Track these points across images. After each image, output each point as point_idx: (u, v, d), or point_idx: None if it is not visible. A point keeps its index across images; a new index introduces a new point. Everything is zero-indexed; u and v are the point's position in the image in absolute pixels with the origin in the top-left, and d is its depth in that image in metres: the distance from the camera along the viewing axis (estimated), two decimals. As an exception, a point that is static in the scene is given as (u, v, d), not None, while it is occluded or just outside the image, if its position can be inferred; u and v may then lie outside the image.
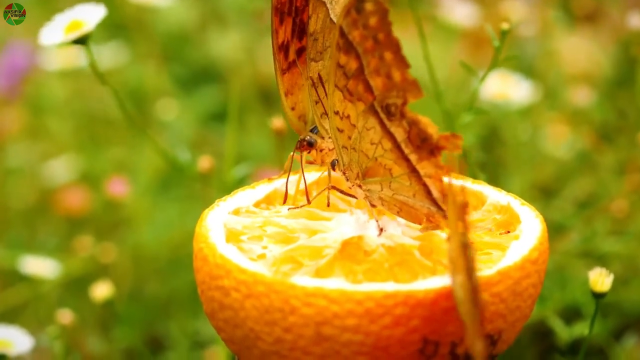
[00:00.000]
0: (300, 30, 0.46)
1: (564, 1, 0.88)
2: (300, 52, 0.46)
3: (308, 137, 0.45)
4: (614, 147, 0.75)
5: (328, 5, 0.45)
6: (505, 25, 0.53)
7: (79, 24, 0.53)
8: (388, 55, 0.39)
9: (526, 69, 0.82)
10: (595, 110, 0.77)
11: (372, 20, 0.39)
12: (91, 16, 0.53)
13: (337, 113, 0.41)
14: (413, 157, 0.40)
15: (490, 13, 0.91)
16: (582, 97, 0.78)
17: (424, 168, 0.40)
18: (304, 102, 0.46)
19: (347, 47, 0.40)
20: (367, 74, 0.40)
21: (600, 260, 0.63)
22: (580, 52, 0.90)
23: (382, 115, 0.40)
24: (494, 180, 0.74)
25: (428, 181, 0.40)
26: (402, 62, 0.39)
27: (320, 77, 0.45)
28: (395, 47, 0.39)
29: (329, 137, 0.46)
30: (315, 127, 0.46)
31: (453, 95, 0.82)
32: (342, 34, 0.39)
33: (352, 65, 0.40)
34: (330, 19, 0.45)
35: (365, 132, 0.41)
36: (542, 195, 0.75)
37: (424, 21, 0.93)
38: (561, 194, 0.74)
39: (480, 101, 0.77)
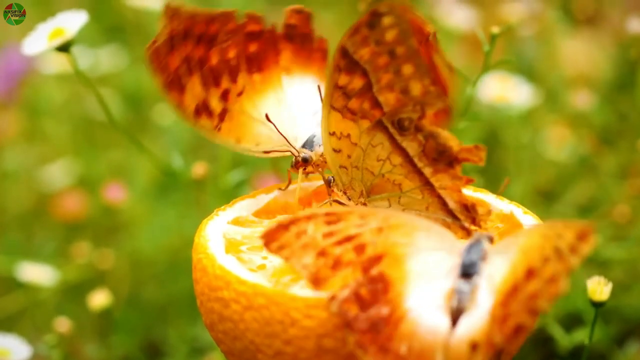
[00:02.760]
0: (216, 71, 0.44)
1: (564, 4, 0.87)
2: (225, 97, 0.45)
3: (302, 155, 0.44)
4: (615, 150, 0.74)
5: None
6: (495, 30, 0.53)
7: (62, 31, 0.53)
8: (407, 69, 0.38)
9: (526, 72, 0.82)
10: (596, 113, 0.77)
11: (390, 35, 0.38)
12: (73, 23, 0.53)
13: (332, 134, 0.40)
14: (427, 171, 0.39)
15: (489, 16, 0.91)
16: (582, 100, 0.77)
17: (440, 180, 0.39)
18: None
19: (351, 66, 0.38)
20: (375, 91, 0.39)
21: (602, 266, 0.62)
22: (581, 55, 0.89)
23: (393, 131, 0.39)
24: (494, 184, 0.73)
25: (443, 193, 0.40)
26: (425, 74, 0.38)
27: None
28: (418, 59, 0.38)
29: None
30: (310, 140, 0.45)
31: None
32: (345, 54, 0.38)
33: (356, 84, 0.39)
34: None
35: (370, 149, 0.40)
36: (543, 199, 0.75)
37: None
38: (562, 198, 0.74)
39: (480, 105, 0.76)
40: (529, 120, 0.80)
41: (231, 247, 0.40)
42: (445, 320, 0.35)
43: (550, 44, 0.86)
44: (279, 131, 0.44)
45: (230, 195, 0.58)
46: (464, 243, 0.37)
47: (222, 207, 0.43)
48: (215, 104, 0.44)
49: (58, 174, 0.87)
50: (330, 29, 0.98)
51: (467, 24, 0.87)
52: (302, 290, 0.37)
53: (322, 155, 0.44)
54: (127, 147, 0.87)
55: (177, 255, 0.76)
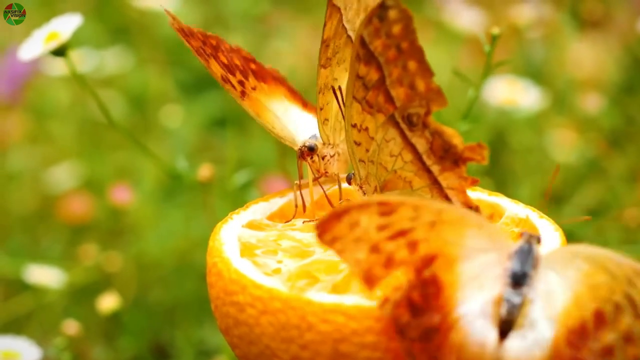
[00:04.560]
0: (229, 67, 0.45)
1: (572, 7, 0.87)
2: (242, 84, 0.45)
3: (308, 143, 0.44)
4: (624, 154, 0.74)
5: (342, 11, 0.44)
6: (495, 30, 0.52)
7: (56, 34, 0.53)
8: (412, 65, 0.38)
9: (534, 74, 0.82)
10: (604, 116, 0.77)
11: (396, 29, 0.38)
12: (67, 26, 0.53)
13: (354, 126, 0.40)
14: (435, 169, 0.40)
15: (497, 18, 0.91)
16: (591, 103, 0.77)
17: (447, 179, 0.40)
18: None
19: (368, 57, 0.39)
20: (388, 85, 0.39)
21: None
22: (589, 58, 0.89)
23: (403, 126, 0.39)
24: (502, 187, 0.73)
25: (450, 193, 0.40)
26: (427, 71, 0.38)
27: (325, 85, 0.44)
28: (420, 56, 0.38)
29: (329, 144, 0.45)
30: (313, 136, 0.45)
31: (458, 100, 0.81)
32: (363, 43, 0.39)
33: (373, 76, 0.39)
34: (343, 25, 0.44)
35: (384, 144, 0.40)
36: (551, 202, 0.75)
37: (430, 26, 0.93)
38: (571, 201, 0.74)
39: (487, 108, 0.76)
40: (537, 123, 0.80)
41: (246, 251, 0.40)
42: (494, 333, 0.35)
43: (558, 47, 0.86)
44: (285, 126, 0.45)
45: (236, 197, 0.58)
46: (513, 244, 0.36)
47: (236, 210, 0.43)
48: (235, 84, 0.45)
49: (63, 176, 0.87)
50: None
51: (474, 25, 0.87)
52: (318, 295, 0.37)
53: (330, 147, 0.45)
54: (133, 149, 0.87)
55: (184, 257, 0.75)
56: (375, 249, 0.35)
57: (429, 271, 0.35)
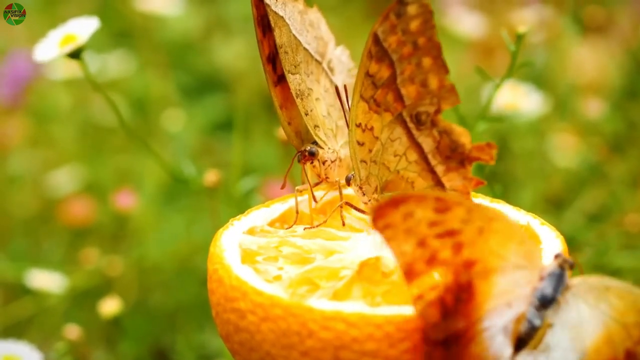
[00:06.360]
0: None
1: (574, 11, 0.87)
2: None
3: (309, 147, 0.44)
4: (626, 158, 0.74)
5: (287, 21, 0.44)
6: (521, 29, 0.52)
7: (73, 37, 0.53)
8: (427, 61, 0.38)
9: (536, 79, 0.82)
10: (605, 121, 0.77)
11: (414, 24, 0.38)
12: (84, 29, 0.53)
13: (359, 125, 0.40)
14: (440, 169, 0.39)
15: (499, 23, 0.91)
16: (592, 107, 0.77)
17: (451, 180, 0.39)
18: (299, 117, 0.45)
19: (381, 54, 0.38)
20: (399, 83, 0.39)
21: (613, 274, 0.62)
22: (591, 62, 0.89)
23: (411, 125, 0.39)
24: (504, 192, 0.73)
25: None
26: (442, 67, 0.38)
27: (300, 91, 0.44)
28: (437, 52, 0.38)
29: (328, 148, 0.45)
30: (315, 142, 0.45)
31: (461, 105, 0.81)
32: (377, 40, 0.38)
33: (384, 73, 0.39)
34: (293, 34, 0.44)
35: (389, 143, 0.40)
36: (553, 207, 0.75)
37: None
38: (572, 206, 0.74)
39: (490, 111, 0.76)
40: (539, 127, 0.80)
41: (247, 258, 0.40)
42: (509, 350, 0.35)
43: (560, 52, 0.86)
44: (285, 128, 0.45)
45: (240, 202, 0.58)
46: (546, 265, 0.36)
47: (237, 216, 0.43)
48: (278, 67, 0.44)
49: (64, 179, 0.87)
50: (337, 34, 0.98)
51: (476, 30, 0.87)
52: (319, 302, 0.37)
53: (331, 152, 0.44)
54: (134, 153, 0.87)
55: (185, 262, 0.75)
56: (422, 243, 0.34)
57: (467, 276, 0.35)
